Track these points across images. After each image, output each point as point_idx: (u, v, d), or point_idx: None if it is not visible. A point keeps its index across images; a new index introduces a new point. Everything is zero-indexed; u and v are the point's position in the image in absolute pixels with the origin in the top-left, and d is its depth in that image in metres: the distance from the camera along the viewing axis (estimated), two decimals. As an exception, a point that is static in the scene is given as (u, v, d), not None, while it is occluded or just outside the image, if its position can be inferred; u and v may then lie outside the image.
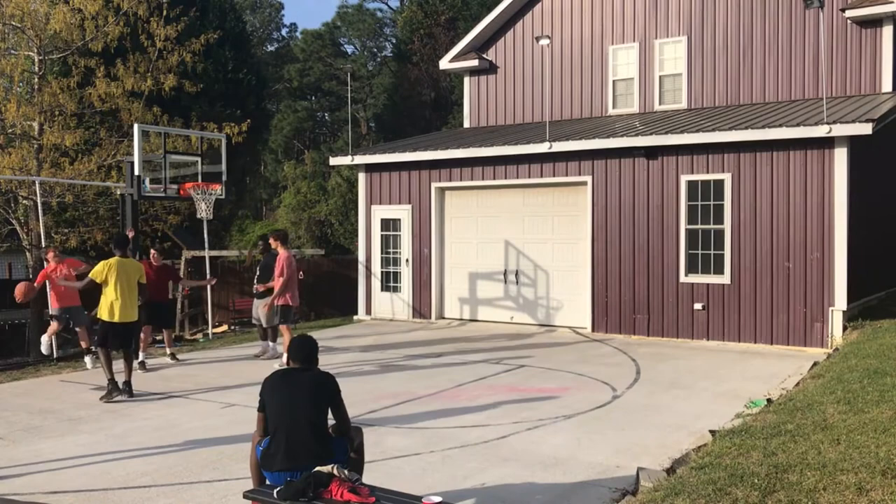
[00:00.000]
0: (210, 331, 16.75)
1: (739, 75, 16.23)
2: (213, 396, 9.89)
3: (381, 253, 17.23)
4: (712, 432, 7.48)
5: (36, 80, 20.01)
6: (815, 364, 10.85)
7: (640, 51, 17.24)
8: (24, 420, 8.82)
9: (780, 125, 12.78)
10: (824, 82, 13.62)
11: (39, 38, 19.51)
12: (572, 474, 6.62)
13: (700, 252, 13.66)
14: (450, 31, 34.34)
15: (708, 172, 13.61)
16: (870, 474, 5.48)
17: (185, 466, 7.00)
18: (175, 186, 15.23)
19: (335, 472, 4.98)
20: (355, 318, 17.47)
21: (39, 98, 19.53)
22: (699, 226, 13.67)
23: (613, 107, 17.61)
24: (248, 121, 22.79)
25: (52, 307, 11.72)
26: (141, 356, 11.65)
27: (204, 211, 15.30)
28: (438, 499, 4.74)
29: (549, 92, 18.25)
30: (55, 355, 12.32)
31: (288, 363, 5.61)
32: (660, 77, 17.06)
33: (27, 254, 20.88)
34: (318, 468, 5.02)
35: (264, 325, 12.74)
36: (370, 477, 6.09)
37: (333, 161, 18.24)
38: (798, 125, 12.58)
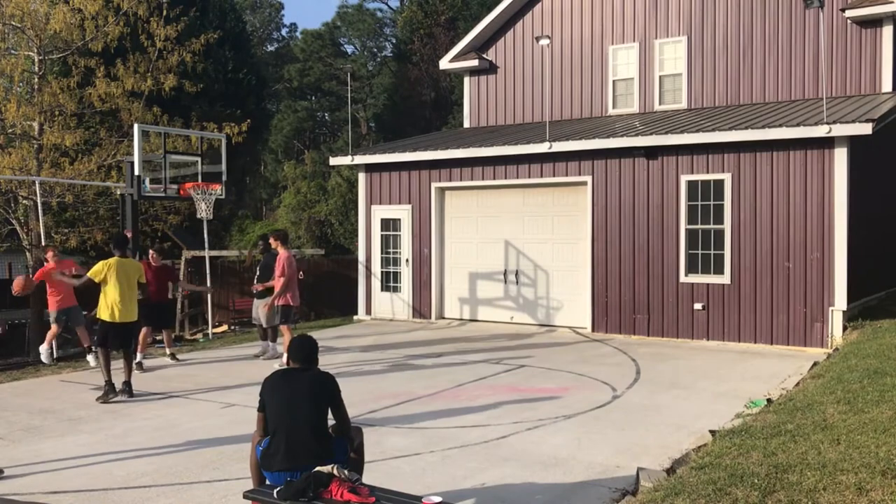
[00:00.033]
0: (210, 331, 16.75)
1: (739, 75, 16.23)
2: (213, 396, 9.89)
3: (381, 253, 17.23)
4: (712, 432, 7.48)
5: (36, 80, 20.00)
6: (815, 364, 10.85)
7: (640, 51, 17.24)
8: (24, 420, 8.82)
9: (780, 125, 12.78)
10: (824, 82, 13.62)
11: (39, 38, 19.50)
12: (572, 474, 6.62)
13: (700, 252, 13.66)
14: (450, 31, 34.34)
15: (708, 172, 13.61)
16: (870, 474, 5.48)
17: (185, 466, 7.00)
18: (175, 186, 15.22)
19: (335, 472, 4.98)
20: (355, 318, 17.47)
21: (39, 98, 19.53)
22: (699, 226, 13.67)
23: (613, 107, 17.61)
24: (248, 121, 22.78)
25: (50, 309, 11.72)
26: (138, 357, 11.61)
27: (204, 211, 15.30)
28: (438, 499, 4.74)
29: (549, 92, 18.25)
30: (54, 363, 12.30)
31: (288, 363, 5.61)
32: (660, 77, 17.06)
33: (27, 254, 20.86)
34: (318, 468, 5.02)
35: (264, 325, 12.74)
36: (370, 477, 6.09)
37: (333, 161, 18.24)
38: (798, 125, 12.58)
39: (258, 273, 13.01)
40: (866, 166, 13.57)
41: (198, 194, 15.18)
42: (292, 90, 54.82)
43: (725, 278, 13.39)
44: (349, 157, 17.45)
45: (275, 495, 4.96)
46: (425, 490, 6.08)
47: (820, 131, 12.29)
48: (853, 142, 12.50)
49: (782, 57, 15.80)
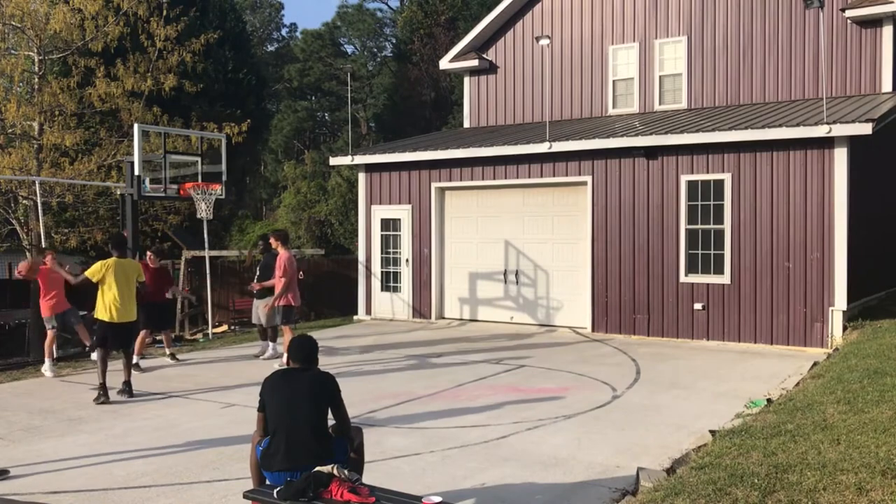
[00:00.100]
0: (210, 331, 16.75)
1: (739, 75, 16.23)
2: (213, 396, 9.89)
3: (381, 253, 17.23)
4: (712, 432, 7.48)
5: (36, 80, 20.01)
6: (815, 364, 10.85)
7: (640, 51, 17.24)
8: (24, 420, 8.82)
9: (780, 125, 12.78)
10: (824, 82, 13.62)
11: (39, 38, 19.51)
12: (572, 474, 6.62)
13: (700, 252, 13.66)
14: (450, 31, 34.34)
15: (708, 172, 13.61)
16: (870, 474, 5.48)
17: (185, 466, 7.00)
18: (175, 186, 15.22)
19: (335, 472, 4.98)
20: (355, 318, 17.47)
21: (39, 98, 19.53)
22: (699, 226, 13.67)
23: (613, 107, 17.61)
24: (248, 121, 22.79)
25: (44, 315, 11.75)
26: (135, 358, 11.56)
27: (204, 211, 15.30)
28: (438, 499, 4.74)
29: (549, 92, 18.25)
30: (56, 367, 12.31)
31: (288, 363, 5.61)
32: (660, 77, 17.06)
33: (27, 254, 20.86)
34: (318, 468, 5.02)
35: (264, 325, 12.74)
36: (370, 477, 6.09)
37: (333, 161, 18.24)
38: (798, 125, 12.58)
39: (258, 273, 13.00)
40: (866, 166, 13.58)
41: (198, 194, 15.17)
42: (292, 90, 54.83)
43: (725, 278, 13.39)
44: (349, 157, 17.45)
45: (275, 495, 4.96)
46: (425, 490, 6.08)
47: (820, 131, 12.30)
48: (853, 142, 12.50)
49: (782, 57, 15.80)
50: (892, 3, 14.46)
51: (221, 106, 28.10)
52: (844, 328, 12.42)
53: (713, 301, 13.50)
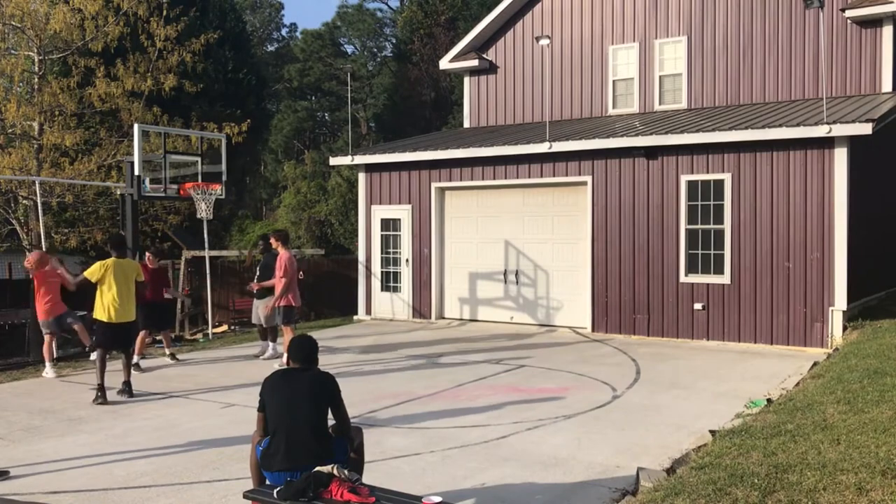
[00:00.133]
0: (210, 331, 16.75)
1: (739, 75, 16.23)
2: (213, 396, 9.89)
3: (381, 253, 17.23)
4: (712, 432, 7.48)
5: (36, 80, 20.02)
6: (815, 364, 10.85)
7: (640, 51, 17.24)
8: (24, 420, 8.82)
9: (780, 125, 12.78)
10: (824, 82, 13.62)
11: (39, 38, 19.51)
12: (572, 474, 6.62)
13: (700, 252, 13.66)
14: (450, 31, 34.34)
15: (708, 172, 13.61)
16: (870, 474, 5.48)
17: (185, 466, 7.00)
18: (175, 186, 15.22)
19: (335, 472, 4.98)
20: (355, 318, 17.47)
21: (39, 98, 19.54)
22: (699, 226, 13.67)
23: (613, 107, 17.61)
24: (248, 121, 22.81)
25: (40, 319, 11.76)
26: (135, 359, 11.57)
27: (204, 211, 15.30)
28: (438, 499, 4.74)
29: (549, 92, 18.25)
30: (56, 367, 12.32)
31: (288, 363, 5.61)
32: (660, 77, 17.06)
33: (27, 254, 20.87)
34: (318, 468, 5.02)
35: (265, 325, 12.74)
36: (370, 477, 6.09)
37: (333, 161, 18.24)
38: (798, 125, 12.58)
39: (258, 273, 12.99)
40: (866, 166, 13.58)
41: (198, 194, 15.17)
42: (292, 90, 54.83)
43: (725, 278, 13.39)
44: (349, 157, 17.45)
45: (275, 495, 4.96)
46: (425, 490, 6.08)
47: (820, 131, 12.30)
48: (853, 142, 12.50)
49: (782, 57, 15.80)
50: (892, 3, 14.46)
51: (221, 106, 28.11)
52: (844, 328, 12.42)
53: (713, 301, 13.50)
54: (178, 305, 20.38)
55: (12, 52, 19.94)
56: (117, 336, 9.75)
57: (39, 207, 15.35)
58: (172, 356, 12.56)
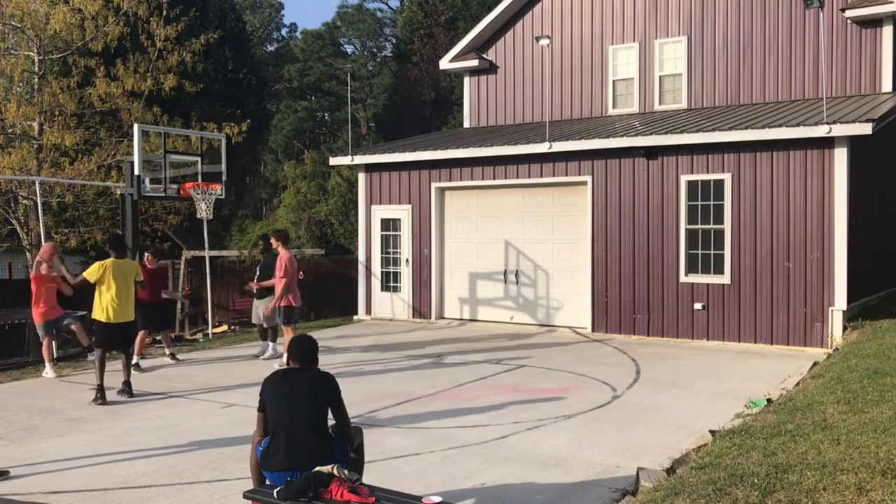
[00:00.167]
0: (210, 331, 16.75)
1: (739, 75, 16.23)
2: (213, 396, 9.89)
3: (381, 253, 17.24)
4: (712, 432, 7.48)
5: (36, 80, 20.02)
6: (815, 364, 10.85)
7: (640, 51, 17.24)
8: (24, 420, 8.82)
9: (780, 125, 12.78)
10: (824, 82, 13.62)
11: (39, 38, 19.51)
12: (572, 474, 6.62)
13: (700, 252, 13.66)
14: (450, 31, 34.34)
15: (708, 172, 13.61)
16: (870, 474, 5.48)
17: (185, 466, 7.00)
18: (175, 186, 15.22)
19: (335, 472, 4.98)
20: (355, 318, 17.47)
21: (39, 98, 19.54)
22: (699, 226, 13.67)
23: (613, 107, 17.61)
24: (248, 121, 22.81)
25: (36, 322, 11.79)
26: (135, 359, 11.58)
27: (204, 211, 15.30)
28: (438, 499, 4.74)
29: (549, 92, 18.25)
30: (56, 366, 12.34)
31: (288, 363, 5.61)
32: (660, 77, 17.06)
33: (27, 254, 20.88)
34: (318, 468, 5.02)
35: (265, 325, 12.74)
36: (370, 477, 6.09)
37: (333, 161, 18.24)
38: (798, 125, 12.58)
39: (258, 273, 12.99)
40: (866, 166, 13.58)
41: (198, 194, 15.17)
42: (292, 90, 54.83)
43: (725, 278, 13.39)
44: (349, 157, 17.45)
45: (275, 495, 4.96)
46: (425, 490, 6.08)
47: (820, 131, 12.30)
48: (853, 142, 12.50)
49: (782, 57, 15.80)
50: (892, 3, 14.46)
51: (221, 106, 28.11)
52: (844, 328, 12.42)
53: (713, 301, 13.50)
54: (178, 305, 20.39)
55: (12, 52, 19.94)
56: (116, 336, 9.75)
57: (39, 207, 15.34)
58: (172, 356, 12.56)
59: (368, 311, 17.33)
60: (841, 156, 12.48)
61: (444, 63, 19.92)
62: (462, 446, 7.45)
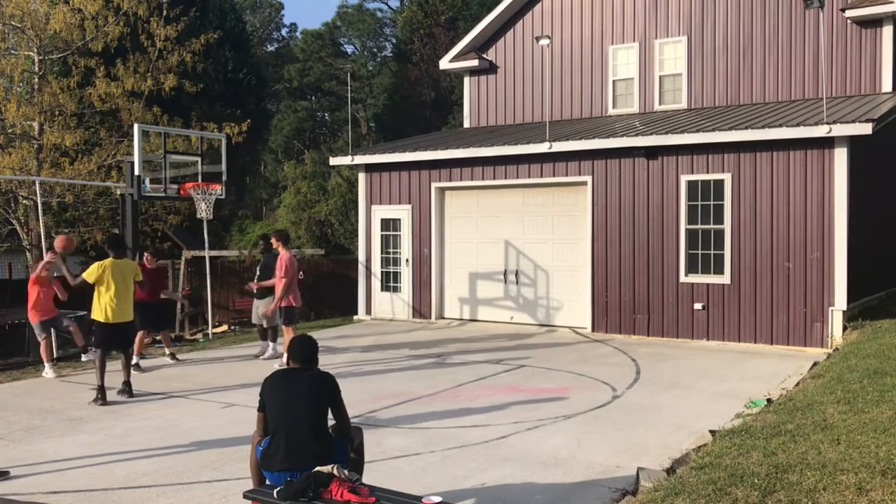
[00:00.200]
0: (210, 331, 16.75)
1: (739, 75, 16.23)
2: (213, 396, 9.89)
3: (381, 253, 17.24)
4: (712, 432, 7.48)
5: (36, 80, 20.02)
6: (815, 364, 10.85)
7: (640, 51, 17.24)
8: (24, 420, 8.82)
9: (780, 125, 12.78)
10: (824, 82, 13.62)
11: (39, 38, 19.51)
12: (572, 474, 6.62)
13: (700, 252, 13.66)
14: (450, 31, 34.35)
15: (708, 172, 13.61)
16: (870, 474, 5.48)
17: (185, 466, 7.00)
18: (175, 186, 15.22)
19: (335, 472, 4.98)
20: (355, 318, 17.47)
21: (39, 98, 19.54)
22: (699, 226, 13.68)
23: (613, 107, 17.61)
24: (248, 121, 22.81)
25: (32, 322, 11.81)
26: (135, 359, 11.58)
27: (204, 211, 15.30)
28: (438, 499, 4.74)
29: (549, 92, 18.25)
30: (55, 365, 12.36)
31: (288, 363, 5.61)
32: (660, 77, 17.06)
33: (27, 254, 20.88)
34: (318, 468, 5.02)
35: (265, 325, 12.74)
36: (370, 477, 6.09)
37: (333, 161, 18.24)
38: (798, 125, 12.58)
39: (258, 273, 12.99)
40: (866, 166, 13.58)
41: (198, 194, 15.17)
42: (292, 90, 54.83)
43: (725, 278, 13.39)
44: (349, 157, 17.45)
45: (275, 495, 4.96)
46: (425, 490, 6.08)
47: (820, 131, 12.30)
48: (853, 142, 12.50)
49: (782, 57, 15.80)
50: (892, 3, 14.46)
51: (221, 106, 28.12)
52: (844, 328, 12.42)
53: (713, 301, 13.50)
54: (178, 306, 20.39)
55: (12, 52, 19.94)
56: (116, 336, 9.74)
57: (39, 207, 15.35)
58: (172, 356, 12.56)
59: (368, 311, 17.34)
60: (841, 156, 12.48)
61: (444, 63, 19.92)
62: (462, 446, 7.45)
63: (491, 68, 19.21)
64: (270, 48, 61.16)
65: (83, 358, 12.36)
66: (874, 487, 5.28)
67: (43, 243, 16.40)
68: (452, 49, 19.97)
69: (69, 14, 19.24)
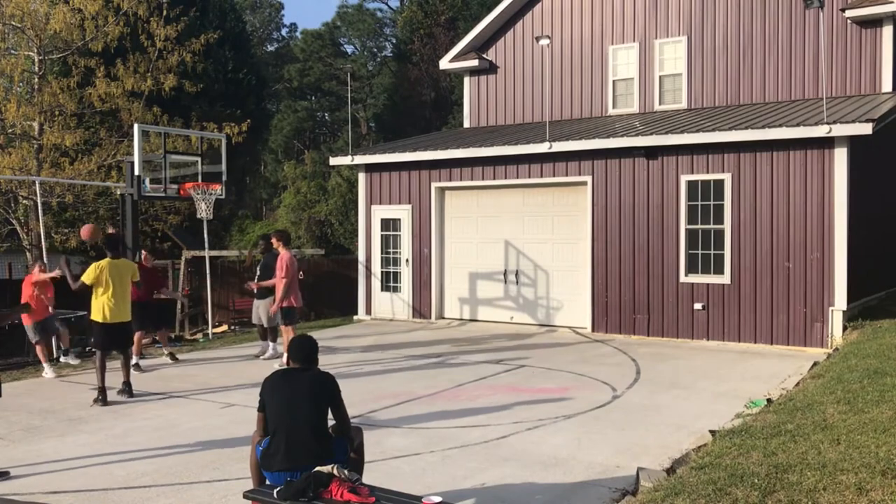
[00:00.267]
0: (210, 331, 16.75)
1: (739, 75, 16.23)
2: (213, 396, 9.89)
3: (381, 253, 17.23)
4: (712, 432, 7.48)
5: (36, 80, 20.03)
6: (815, 364, 10.85)
7: (640, 51, 17.24)
8: (24, 420, 8.82)
9: (780, 125, 12.78)
10: (824, 82, 13.62)
11: (39, 38, 19.52)
12: (572, 474, 6.62)
13: (700, 252, 13.66)
14: (450, 31, 34.35)
15: (708, 172, 13.61)
16: (870, 474, 5.48)
17: (185, 466, 7.00)
18: (175, 186, 15.21)
19: (335, 472, 4.98)
20: (355, 318, 17.47)
21: (39, 98, 19.54)
22: (699, 226, 13.67)
23: (613, 107, 17.61)
24: (248, 121, 22.82)
25: (25, 323, 11.82)
26: (135, 359, 11.57)
27: (204, 211, 15.29)
28: (438, 499, 4.74)
29: (549, 92, 18.25)
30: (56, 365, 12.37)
31: (288, 363, 5.61)
32: (660, 77, 17.06)
33: (27, 254, 20.89)
34: (318, 468, 5.02)
35: (265, 325, 12.74)
36: (370, 477, 6.09)
37: (333, 161, 18.24)
38: (798, 125, 12.58)
39: (258, 273, 12.99)
40: (866, 166, 13.57)
41: (198, 194, 15.17)
42: (292, 90, 54.83)
43: (725, 278, 13.39)
44: (349, 157, 17.45)
45: (275, 495, 4.96)
46: (425, 490, 6.08)
47: (820, 131, 12.30)
48: (853, 142, 12.50)
49: (782, 57, 15.80)
50: (892, 3, 14.46)
51: (221, 106, 28.12)
52: (844, 328, 12.42)
53: (713, 301, 13.50)
54: (178, 305, 20.40)
55: (12, 52, 19.95)
56: (114, 337, 9.74)
57: (39, 207, 15.35)
58: (172, 356, 12.56)
59: (368, 311, 17.34)
60: (841, 156, 12.48)
61: (444, 63, 19.92)
62: (462, 446, 7.45)
63: (491, 68, 19.21)
64: (270, 48, 61.17)
65: (62, 359, 12.39)
66: (874, 487, 5.28)
67: (43, 243, 16.41)
68: (452, 49, 19.97)
69: (69, 14, 19.25)
